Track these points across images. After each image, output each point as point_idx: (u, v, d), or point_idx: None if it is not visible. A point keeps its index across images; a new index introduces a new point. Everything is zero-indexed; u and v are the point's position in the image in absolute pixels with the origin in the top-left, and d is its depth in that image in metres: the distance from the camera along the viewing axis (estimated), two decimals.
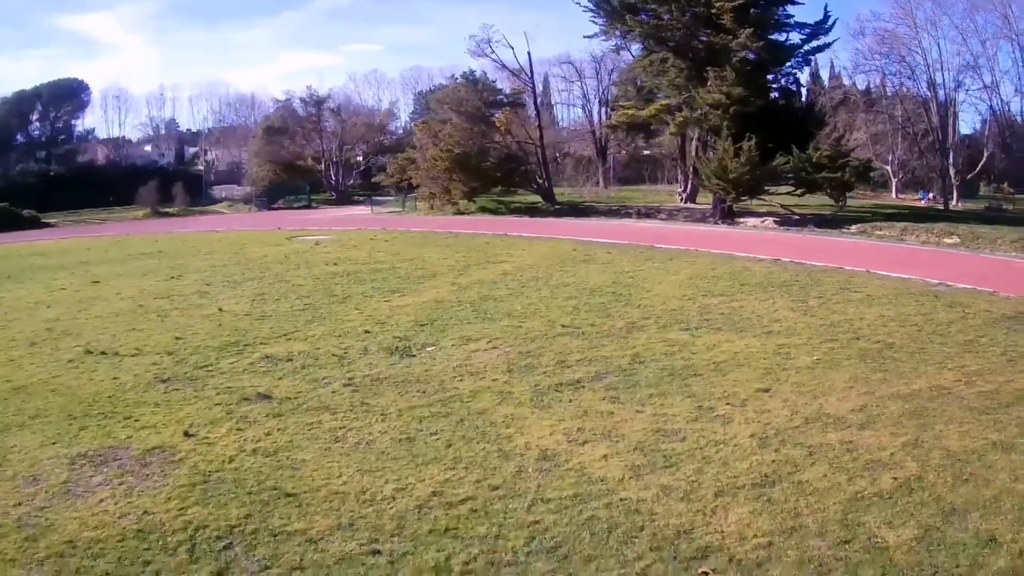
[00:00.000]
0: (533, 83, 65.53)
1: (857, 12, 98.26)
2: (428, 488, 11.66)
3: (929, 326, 20.07)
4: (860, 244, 39.66)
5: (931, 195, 68.19)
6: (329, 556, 9.78)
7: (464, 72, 63.70)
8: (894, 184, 73.75)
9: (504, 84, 67.06)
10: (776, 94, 54.57)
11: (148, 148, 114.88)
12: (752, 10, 49.05)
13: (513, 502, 11.12)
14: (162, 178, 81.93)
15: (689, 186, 61.93)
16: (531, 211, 57.38)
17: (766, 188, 50.41)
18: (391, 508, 11.04)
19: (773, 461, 12.16)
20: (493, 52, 61.86)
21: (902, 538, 9.66)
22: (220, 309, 24.75)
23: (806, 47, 52.93)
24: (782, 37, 53.00)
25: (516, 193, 64.57)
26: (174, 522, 10.65)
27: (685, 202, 61.40)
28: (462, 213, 59.82)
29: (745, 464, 12.09)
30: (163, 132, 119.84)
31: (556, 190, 65.05)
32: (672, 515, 10.53)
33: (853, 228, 45.75)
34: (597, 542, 9.98)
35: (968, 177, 67.84)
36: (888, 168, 73.01)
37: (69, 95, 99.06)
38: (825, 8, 51.75)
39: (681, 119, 53.14)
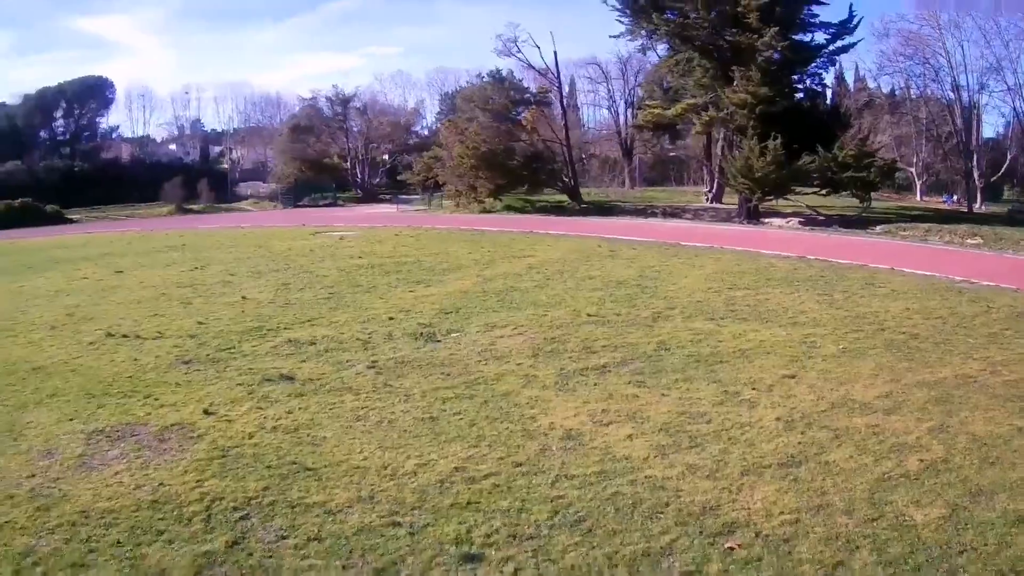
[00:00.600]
0: (559, 82, 65.54)
1: (882, 13, 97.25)
2: (451, 464, 11.64)
3: (953, 319, 19.97)
4: (885, 243, 39.52)
5: (955, 198, 67.70)
6: (348, 528, 9.77)
7: (491, 71, 63.79)
8: (918, 187, 73.26)
9: (530, 84, 67.19)
10: (801, 95, 54.33)
11: (173, 147, 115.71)
12: (777, 9, 48.78)
13: (536, 478, 11.12)
14: (187, 175, 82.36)
15: (715, 186, 61.73)
16: (557, 210, 57.35)
17: (792, 188, 50.13)
18: (412, 483, 11.04)
19: (799, 443, 12.10)
20: (519, 51, 61.97)
21: (930, 517, 9.58)
22: (243, 297, 24.85)
23: (831, 47, 52.64)
24: (807, 37, 52.88)
25: (542, 192, 64.55)
26: (190, 494, 10.67)
27: (711, 202, 61.21)
28: (488, 211, 59.86)
29: (771, 445, 12.04)
30: (188, 132, 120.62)
31: (582, 190, 65.03)
32: (698, 492, 10.49)
33: (878, 228, 45.59)
34: (621, 517, 9.91)
35: (992, 180, 67.33)
36: (912, 171, 72.53)
37: (94, 92, 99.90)
38: (850, 8, 51.58)
39: (707, 118, 52.99)
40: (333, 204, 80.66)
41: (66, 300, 25.23)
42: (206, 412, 14.13)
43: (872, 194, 49.74)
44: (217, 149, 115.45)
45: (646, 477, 11.03)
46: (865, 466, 11.15)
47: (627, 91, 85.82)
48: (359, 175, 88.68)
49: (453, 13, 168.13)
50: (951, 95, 63.50)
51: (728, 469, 11.20)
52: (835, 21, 52.38)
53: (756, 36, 48.82)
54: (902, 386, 14.66)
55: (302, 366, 17.03)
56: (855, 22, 51.96)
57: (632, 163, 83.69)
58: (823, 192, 50.96)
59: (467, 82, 72.88)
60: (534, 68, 63.68)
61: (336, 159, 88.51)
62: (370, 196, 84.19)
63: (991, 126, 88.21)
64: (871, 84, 75.94)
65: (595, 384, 15.36)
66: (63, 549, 9.29)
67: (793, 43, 50.66)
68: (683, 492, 10.52)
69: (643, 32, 57.08)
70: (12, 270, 33.64)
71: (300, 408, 14.31)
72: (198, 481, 11.12)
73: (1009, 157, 69.39)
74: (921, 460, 11.22)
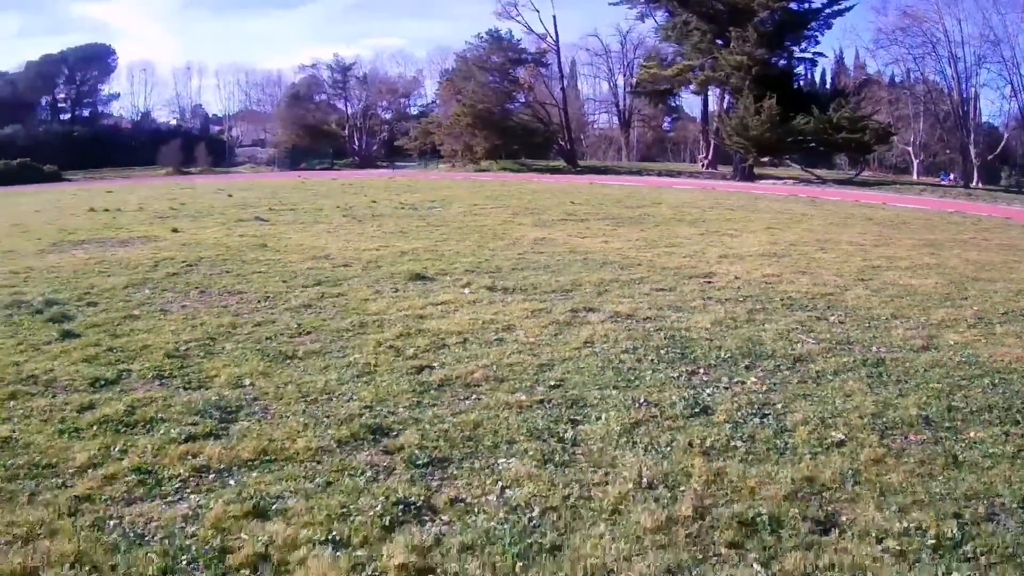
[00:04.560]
0: (558, 45, 65.39)
1: None
2: (412, 246, 12.27)
3: (940, 220, 20.75)
4: (878, 193, 39.90)
5: (952, 177, 67.63)
6: (296, 266, 12.15)
7: (489, 30, 63.62)
8: (916, 166, 73.20)
9: (529, 48, 67.04)
10: (797, 61, 54.51)
11: (173, 122, 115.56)
12: None
13: (505, 252, 11.41)
14: (185, 140, 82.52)
15: (711, 153, 61.80)
16: (553, 171, 57.63)
17: (787, 150, 50.28)
18: (370, 256, 11.82)
19: (779, 248, 12.32)
20: (519, 14, 61.86)
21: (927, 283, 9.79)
22: (230, 195, 25.03)
23: (827, 11, 52.62)
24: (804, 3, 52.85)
25: (538, 158, 64.62)
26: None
27: (707, 168, 61.33)
28: (484, 171, 60.04)
29: (748, 248, 12.26)
30: (188, 115, 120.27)
31: (579, 162, 65.10)
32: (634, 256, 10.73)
33: (873, 188, 45.90)
34: (576, 264, 10.26)
35: (989, 158, 67.31)
36: (909, 149, 72.53)
37: (95, 60, 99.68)
38: None
39: (703, 77, 53.33)
40: (329, 168, 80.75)
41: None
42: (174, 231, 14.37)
43: (868, 173, 49.89)
44: (216, 128, 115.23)
45: (599, 251, 11.28)
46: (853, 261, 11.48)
47: (626, 64, 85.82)
48: (356, 143, 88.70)
49: (454, 5, 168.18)
50: (948, 70, 63.47)
51: (682, 251, 11.45)
52: None
53: None
54: (893, 239, 15.13)
55: (274, 218, 17.31)
56: None
57: (629, 136, 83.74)
58: (817, 173, 51.08)
59: (466, 43, 72.65)
60: (533, 32, 63.69)
61: (334, 126, 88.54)
62: (367, 163, 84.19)
63: (988, 114, 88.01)
64: (869, 61, 75.96)
65: (573, 224, 15.76)
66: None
67: (788, 5, 50.80)
68: (627, 257, 10.73)
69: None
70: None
71: (268, 233, 14.65)
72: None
73: (1006, 136, 69.32)
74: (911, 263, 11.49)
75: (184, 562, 4.32)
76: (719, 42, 52.45)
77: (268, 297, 10.90)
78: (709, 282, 12.04)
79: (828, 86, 62.06)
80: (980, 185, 60.37)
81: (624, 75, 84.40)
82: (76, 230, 18.51)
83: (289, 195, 28.64)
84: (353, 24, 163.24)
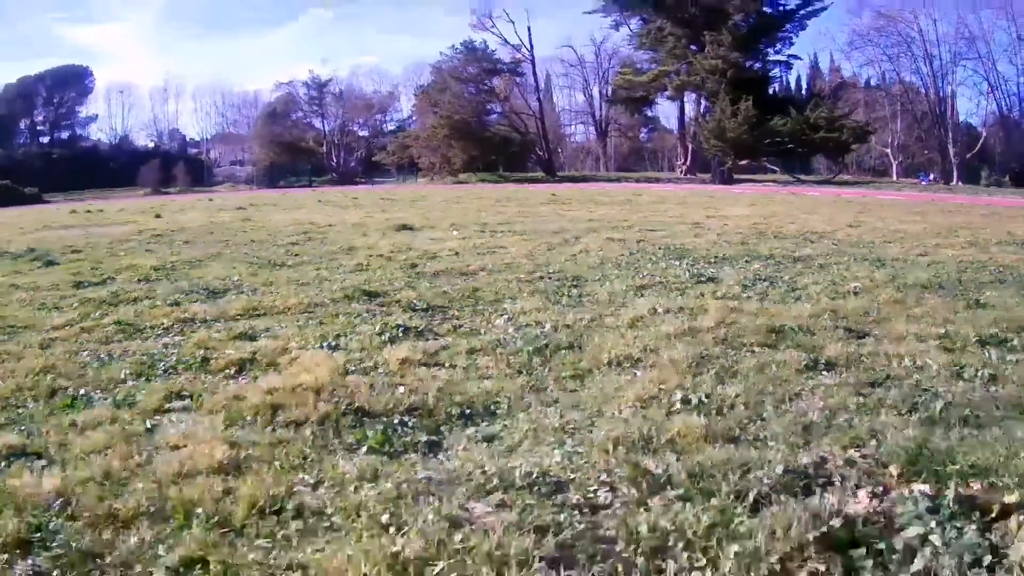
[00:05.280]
0: (533, 55, 65.08)
1: None
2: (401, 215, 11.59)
3: (926, 206, 20.59)
4: (859, 190, 40.12)
5: (931, 177, 67.92)
6: None
7: (464, 41, 63.42)
8: (895, 168, 73.53)
9: (504, 58, 67.06)
10: (773, 65, 54.91)
11: (151, 144, 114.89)
12: None
13: (491, 217, 11.08)
14: (164, 159, 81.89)
15: (688, 159, 61.87)
16: (532, 181, 57.49)
17: (764, 151, 50.43)
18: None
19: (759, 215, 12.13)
20: (494, 26, 61.55)
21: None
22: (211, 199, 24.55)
23: (801, 12, 52.98)
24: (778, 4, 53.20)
25: (516, 170, 64.47)
26: None
27: (685, 174, 61.37)
28: (462, 183, 59.84)
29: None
30: (166, 137, 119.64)
31: (557, 173, 64.95)
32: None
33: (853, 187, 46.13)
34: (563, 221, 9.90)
35: (968, 156, 67.72)
36: (888, 151, 72.92)
37: (72, 80, 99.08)
38: None
39: (679, 82, 53.51)
40: (308, 186, 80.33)
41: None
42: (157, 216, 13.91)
43: (847, 176, 50.18)
44: (195, 151, 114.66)
45: (587, 218, 11.07)
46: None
47: (601, 75, 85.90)
48: (334, 159, 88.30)
49: (431, 22, 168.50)
50: (925, 69, 63.98)
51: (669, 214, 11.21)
52: None
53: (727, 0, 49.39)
54: (879, 211, 15.08)
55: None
56: None
57: (607, 146, 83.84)
58: (795, 176, 51.28)
59: (441, 54, 72.37)
60: (508, 44, 63.52)
61: (312, 143, 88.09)
62: (345, 179, 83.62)
63: (965, 113, 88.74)
64: (844, 64, 76.50)
65: (556, 205, 15.75)
66: None
67: (763, 8, 51.19)
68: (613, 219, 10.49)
69: (616, 7, 57.60)
70: None
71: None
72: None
73: (984, 134, 69.77)
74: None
75: (160, 369, 4.04)
76: (693, 48, 52.67)
77: (254, 241, 10.67)
78: (698, 225, 11.91)
79: (804, 91, 62.42)
80: (960, 184, 60.62)
81: (599, 85, 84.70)
82: (61, 221, 18.19)
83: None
84: (329, 42, 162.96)
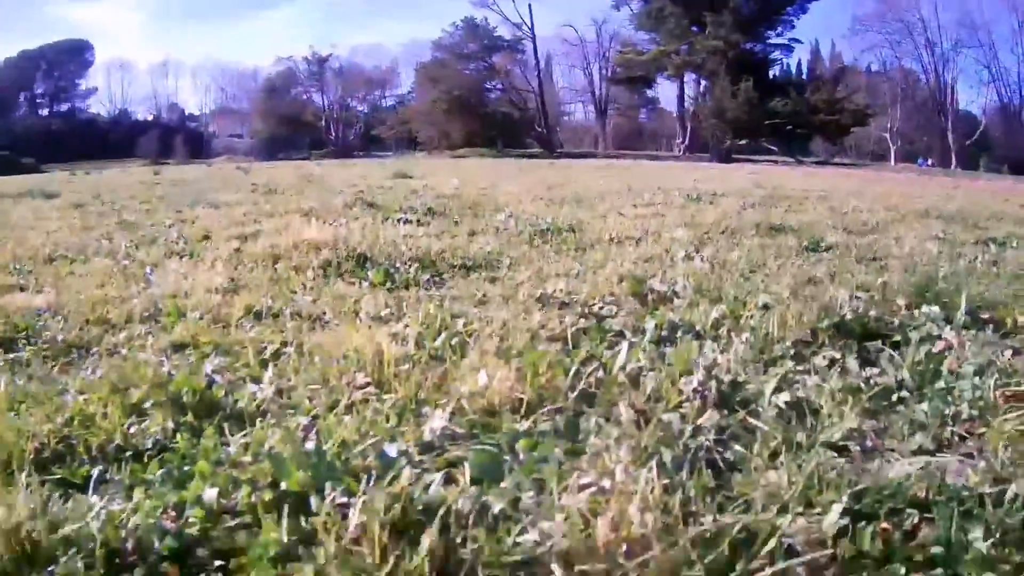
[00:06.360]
0: (533, 32, 64.77)
1: None
2: None
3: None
4: (857, 170, 40.12)
5: (930, 162, 67.83)
6: None
7: (465, 18, 63.23)
8: (893, 152, 73.43)
9: (505, 35, 66.74)
10: (773, 48, 54.70)
11: (151, 117, 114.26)
12: None
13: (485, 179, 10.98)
14: (163, 131, 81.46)
15: (687, 138, 61.71)
16: (531, 157, 57.23)
17: (763, 140, 50.35)
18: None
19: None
20: (495, 3, 61.16)
21: None
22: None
23: None
24: None
25: (515, 147, 64.30)
26: None
27: (684, 153, 61.21)
28: (461, 157, 59.70)
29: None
30: (166, 111, 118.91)
31: (556, 149, 64.77)
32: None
33: (851, 168, 46.10)
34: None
35: (967, 143, 67.63)
36: (887, 136, 72.78)
37: (73, 54, 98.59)
38: None
39: (679, 62, 53.27)
40: (306, 159, 80.00)
41: None
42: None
43: (845, 159, 50.03)
44: (194, 125, 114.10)
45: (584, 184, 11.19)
46: None
47: (602, 54, 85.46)
48: (333, 133, 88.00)
49: (432, 4, 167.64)
50: (925, 54, 63.80)
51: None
52: None
53: None
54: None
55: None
56: None
57: (606, 126, 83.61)
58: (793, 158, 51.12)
59: (442, 31, 72.00)
60: (509, 21, 63.22)
61: (311, 117, 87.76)
62: (344, 153, 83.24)
63: (965, 102, 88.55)
64: (845, 50, 76.33)
65: (554, 170, 15.43)
66: None
67: None
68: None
69: None
70: None
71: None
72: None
73: (983, 122, 69.66)
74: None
75: (162, 242, 4.00)
76: (695, 28, 52.49)
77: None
78: (699, 181, 11.91)
79: (805, 74, 62.23)
80: (959, 170, 60.51)
81: (600, 65, 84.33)
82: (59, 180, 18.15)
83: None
84: (330, 24, 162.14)
